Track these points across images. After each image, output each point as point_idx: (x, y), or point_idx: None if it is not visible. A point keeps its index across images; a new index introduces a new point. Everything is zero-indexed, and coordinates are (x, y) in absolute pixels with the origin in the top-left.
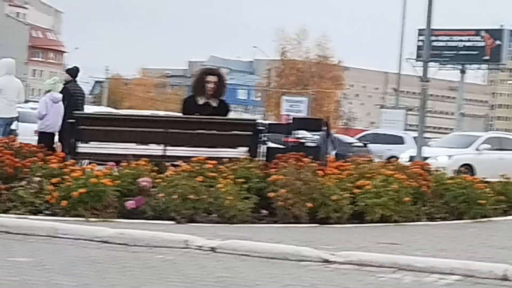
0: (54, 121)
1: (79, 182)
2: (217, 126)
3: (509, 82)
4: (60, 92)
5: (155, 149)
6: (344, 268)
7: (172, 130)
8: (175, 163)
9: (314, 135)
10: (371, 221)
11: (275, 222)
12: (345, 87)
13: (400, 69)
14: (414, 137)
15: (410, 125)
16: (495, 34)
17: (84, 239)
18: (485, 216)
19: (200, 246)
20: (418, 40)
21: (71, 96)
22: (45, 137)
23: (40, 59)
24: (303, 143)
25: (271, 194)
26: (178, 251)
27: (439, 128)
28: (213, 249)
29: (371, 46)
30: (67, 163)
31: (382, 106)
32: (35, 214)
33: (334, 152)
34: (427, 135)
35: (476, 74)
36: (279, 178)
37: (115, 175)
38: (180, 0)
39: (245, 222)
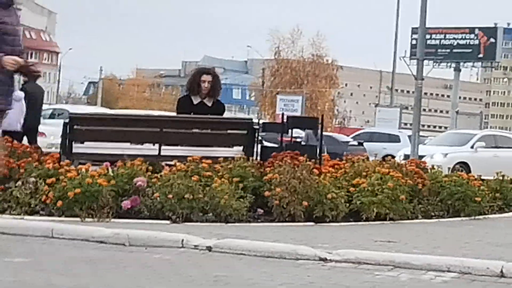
0: (14, 120)
1: (75, 182)
2: (212, 125)
3: (503, 80)
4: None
5: (150, 149)
6: (341, 266)
7: (167, 129)
8: (170, 162)
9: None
10: (367, 219)
11: (271, 221)
12: (339, 86)
13: (394, 67)
14: (409, 136)
15: (405, 124)
16: (489, 32)
17: (81, 240)
18: (481, 214)
19: (197, 246)
20: (412, 39)
21: (31, 95)
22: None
23: (34, 60)
24: (298, 142)
25: (267, 193)
26: (175, 251)
27: (434, 126)
28: (209, 249)
29: (365, 45)
30: (62, 163)
31: (377, 105)
32: (31, 214)
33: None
34: (422, 133)
35: (470, 72)
36: (275, 177)
37: (111, 175)
38: (174, 0)
39: (241, 221)
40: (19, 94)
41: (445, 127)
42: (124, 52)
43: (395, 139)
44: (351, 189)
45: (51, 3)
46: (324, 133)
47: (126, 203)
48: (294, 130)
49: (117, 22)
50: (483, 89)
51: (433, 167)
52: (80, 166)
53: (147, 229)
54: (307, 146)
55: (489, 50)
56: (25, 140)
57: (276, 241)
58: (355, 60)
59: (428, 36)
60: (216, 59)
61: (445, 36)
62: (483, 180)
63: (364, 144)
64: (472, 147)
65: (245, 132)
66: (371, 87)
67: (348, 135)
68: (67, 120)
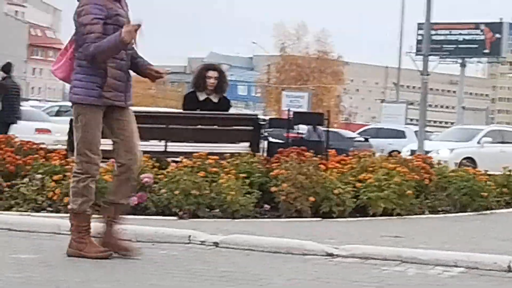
0: None
1: None
2: (218, 121)
3: (509, 75)
4: None
5: (156, 145)
6: (347, 262)
7: (173, 126)
8: (177, 159)
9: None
10: (374, 215)
11: (278, 217)
12: (345, 82)
13: (400, 63)
14: (415, 131)
15: (411, 119)
16: (495, 27)
17: None
18: (488, 209)
19: (203, 241)
20: (418, 34)
21: (8, 92)
22: None
23: (39, 57)
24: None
25: (274, 189)
26: (181, 247)
27: (440, 122)
28: (216, 244)
29: (371, 40)
30: (68, 160)
31: (382, 101)
32: (37, 211)
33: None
34: (428, 129)
35: (476, 67)
36: (281, 172)
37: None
38: None
39: (247, 217)
40: None
41: (451, 123)
42: None
43: (401, 135)
44: (358, 184)
45: (56, 0)
46: (330, 129)
47: (132, 199)
48: (297, 126)
49: None
50: (489, 84)
51: (439, 162)
52: None
53: (154, 225)
54: (314, 141)
55: (494, 45)
56: None
57: (283, 236)
58: (361, 56)
59: (433, 32)
60: (222, 55)
61: (450, 31)
62: (489, 175)
63: (370, 140)
64: (478, 142)
65: (251, 128)
66: (377, 83)
67: (354, 131)
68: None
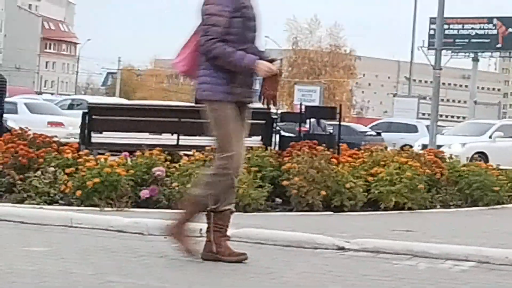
0: None
1: (94, 172)
2: None
3: None
4: None
5: (168, 139)
6: (359, 256)
7: (185, 119)
8: (189, 152)
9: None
10: (385, 209)
11: (290, 210)
12: (357, 76)
13: (412, 57)
14: (427, 126)
15: (423, 114)
16: (508, 21)
17: (99, 229)
18: (499, 203)
19: None
20: (430, 29)
21: None
22: None
23: (52, 51)
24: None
25: (285, 183)
26: (193, 240)
27: (452, 116)
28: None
29: (383, 35)
30: (81, 153)
31: (394, 95)
32: (50, 204)
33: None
34: (440, 123)
35: (488, 62)
36: (293, 166)
37: (129, 165)
38: None
39: (259, 211)
40: None
41: (463, 117)
42: (142, 43)
43: (413, 129)
44: (370, 178)
45: None
46: (341, 123)
47: (144, 193)
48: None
49: (135, 12)
50: (501, 79)
51: (451, 157)
52: (99, 156)
53: (166, 219)
54: (325, 135)
55: (507, 39)
56: None
57: (294, 230)
58: (373, 50)
59: (446, 26)
60: None
61: (463, 26)
62: (501, 169)
63: (382, 134)
64: (490, 137)
65: (263, 122)
66: (389, 77)
67: (365, 125)
68: (86, 110)
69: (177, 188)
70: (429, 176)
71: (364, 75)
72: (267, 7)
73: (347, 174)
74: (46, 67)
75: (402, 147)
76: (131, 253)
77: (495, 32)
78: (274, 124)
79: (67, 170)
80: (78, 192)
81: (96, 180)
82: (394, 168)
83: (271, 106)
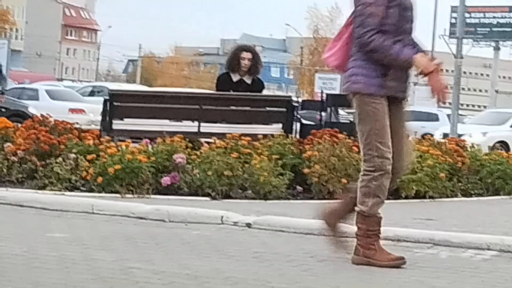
0: None
1: (115, 158)
2: (251, 102)
3: None
4: None
5: (189, 126)
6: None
7: (207, 106)
8: (210, 140)
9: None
10: (406, 197)
11: (310, 198)
12: None
13: (433, 46)
14: (448, 115)
15: (444, 103)
16: None
17: (121, 215)
18: None
19: (236, 222)
20: (452, 17)
21: None
22: None
23: (73, 38)
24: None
25: (306, 170)
26: (214, 227)
27: (473, 105)
28: (249, 225)
29: None
30: (102, 140)
31: (415, 84)
32: (71, 190)
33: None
34: (461, 112)
35: (510, 51)
36: (314, 154)
37: (150, 152)
38: None
39: (280, 198)
40: None
41: (484, 106)
42: (163, 30)
43: (433, 117)
44: None
45: None
46: None
47: (165, 180)
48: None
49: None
50: None
51: (472, 146)
52: (120, 142)
53: (187, 206)
54: (346, 124)
55: None
56: None
57: (315, 218)
58: None
59: (467, 15)
60: (255, 37)
61: (484, 14)
62: None
63: None
64: (511, 126)
65: (284, 109)
66: None
67: None
68: (107, 97)
69: (198, 175)
70: (451, 165)
71: None
72: None
73: None
74: (67, 54)
75: (423, 136)
76: (152, 239)
77: None
78: (295, 112)
79: (88, 157)
80: (99, 179)
81: (117, 166)
82: (415, 156)
83: (440, 101)
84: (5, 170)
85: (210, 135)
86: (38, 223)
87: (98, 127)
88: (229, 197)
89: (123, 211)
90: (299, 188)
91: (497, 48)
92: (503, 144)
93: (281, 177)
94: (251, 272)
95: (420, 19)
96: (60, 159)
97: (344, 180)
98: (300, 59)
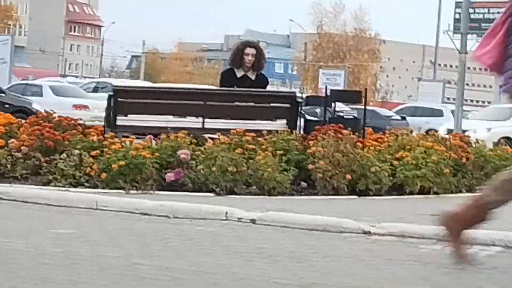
0: None
1: (119, 154)
2: (255, 98)
3: None
4: None
5: (193, 122)
6: (384, 240)
7: (211, 102)
8: (214, 136)
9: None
10: (411, 193)
11: (315, 194)
12: (382, 60)
13: (437, 41)
14: (452, 110)
15: (448, 98)
16: None
17: (125, 211)
18: None
19: (240, 218)
20: (456, 13)
21: None
22: None
23: (77, 34)
24: (341, 116)
25: (310, 166)
26: (218, 223)
27: (477, 101)
28: (253, 221)
29: (408, 18)
30: (106, 136)
31: (419, 79)
32: (75, 186)
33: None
34: (465, 108)
35: None
36: (318, 150)
37: (154, 148)
38: None
39: (284, 194)
40: None
41: (488, 102)
42: (167, 26)
43: (438, 113)
44: (395, 162)
45: None
46: (367, 107)
47: (169, 176)
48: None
49: None
50: None
51: (477, 141)
52: (124, 138)
53: (191, 202)
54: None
55: None
56: None
57: (320, 214)
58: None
59: (471, 10)
60: (258, 33)
61: (489, 10)
62: None
63: (407, 118)
64: None
65: (288, 105)
66: (414, 62)
67: (390, 110)
68: (111, 93)
69: (202, 171)
70: (455, 161)
71: (388, 59)
72: None
73: (372, 158)
74: (71, 50)
75: (427, 132)
76: (157, 235)
77: None
78: (299, 108)
79: (93, 153)
80: (104, 175)
81: (122, 162)
82: (419, 152)
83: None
84: (9, 166)
85: (214, 131)
86: (43, 219)
87: (102, 123)
88: (233, 193)
89: (127, 207)
90: (303, 184)
91: None
92: (508, 139)
93: (285, 173)
94: (256, 268)
95: (424, 14)
96: (64, 155)
97: (348, 176)
98: (304, 55)
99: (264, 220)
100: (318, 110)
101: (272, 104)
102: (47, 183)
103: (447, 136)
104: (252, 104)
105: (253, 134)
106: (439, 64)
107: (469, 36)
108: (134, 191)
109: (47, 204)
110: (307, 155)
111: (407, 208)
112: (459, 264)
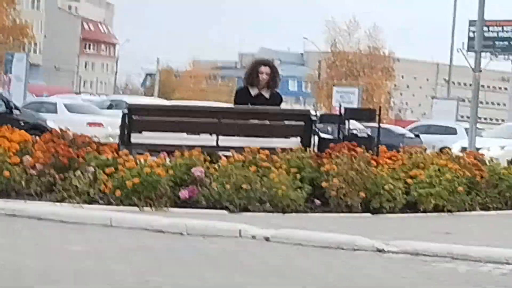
0: None
1: (133, 172)
2: (269, 116)
3: None
4: None
5: (207, 139)
6: (398, 258)
7: (225, 120)
8: (228, 153)
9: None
10: (425, 211)
11: (329, 212)
12: (396, 79)
13: (451, 60)
14: (466, 128)
15: (462, 116)
16: None
17: (139, 229)
18: None
19: (254, 236)
20: (470, 31)
21: None
22: None
23: (92, 52)
24: (355, 133)
25: (324, 184)
26: (232, 241)
27: (491, 119)
28: (267, 239)
29: (422, 37)
30: (120, 153)
31: (433, 97)
32: (90, 203)
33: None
34: (478, 125)
35: None
36: (332, 168)
37: (169, 165)
38: None
39: (298, 212)
40: None
41: (502, 120)
42: (181, 44)
43: (451, 131)
44: (409, 180)
45: None
46: (380, 125)
47: (184, 193)
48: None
49: (173, 13)
50: None
51: (491, 159)
52: (138, 156)
53: (205, 219)
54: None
55: None
56: None
57: (333, 231)
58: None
59: (485, 29)
60: (272, 51)
61: (503, 28)
62: None
63: (421, 136)
64: None
65: (302, 123)
66: (427, 80)
67: (404, 127)
68: (126, 111)
69: (216, 188)
70: (469, 179)
71: (402, 77)
72: (305, 8)
73: (386, 176)
74: (85, 67)
75: (441, 149)
76: (171, 253)
77: None
78: (313, 126)
79: (107, 170)
80: (118, 192)
81: (136, 180)
82: (433, 170)
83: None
84: (23, 183)
85: (228, 148)
86: (57, 236)
87: (117, 141)
88: (247, 210)
89: (141, 224)
90: (317, 201)
91: None
92: None
93: (299, 190)
94: (274, 283)
95: (438, 33)
96: (78, 172)
97: (362, 194)
98: (318, 73)
99: (278, 238)
100: (330, 128)
101: (286, 122)
102: (61, 200)
103: (461, 154)
104: (266, 122)
105: (267, 151)
106: (453, 82)
107: (482, 54)
108: (148, 208)
109: (61, 221)
110: (321, 172)
111: (421, 226)
112: (472, 282)
